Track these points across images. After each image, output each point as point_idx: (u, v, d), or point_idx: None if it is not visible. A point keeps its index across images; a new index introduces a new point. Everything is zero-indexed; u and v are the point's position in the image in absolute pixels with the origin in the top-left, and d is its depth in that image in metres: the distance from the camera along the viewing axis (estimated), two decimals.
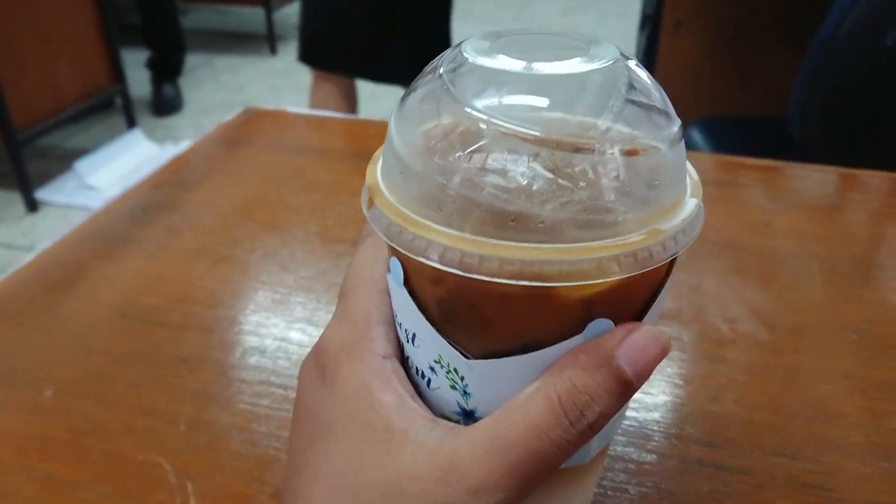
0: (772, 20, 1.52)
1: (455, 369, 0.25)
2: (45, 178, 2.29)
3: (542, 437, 0.22)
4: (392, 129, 0.25)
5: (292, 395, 0.41)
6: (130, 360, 0.44)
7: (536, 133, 0.22)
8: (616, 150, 0.22)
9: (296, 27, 3.72)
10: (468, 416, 0.26)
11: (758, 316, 0.48)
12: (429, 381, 0.26)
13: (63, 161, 2.34)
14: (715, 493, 0.36)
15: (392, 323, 0.27)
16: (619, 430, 0.39)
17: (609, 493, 0.36)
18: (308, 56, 1.47)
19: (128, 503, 0.35)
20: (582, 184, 0.22)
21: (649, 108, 0.24)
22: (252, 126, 0.75)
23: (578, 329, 0.23)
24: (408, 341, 0.26)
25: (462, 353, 0.24)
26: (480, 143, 0.22)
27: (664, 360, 0.44)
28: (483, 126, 0.22)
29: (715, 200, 0.62)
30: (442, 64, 0.25)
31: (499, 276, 0.21)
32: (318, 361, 0.27)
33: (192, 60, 3.11)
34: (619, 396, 0.23)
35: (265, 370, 0.43)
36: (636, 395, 0.41)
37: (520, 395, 0.23)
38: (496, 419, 0.23)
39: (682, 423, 0.40)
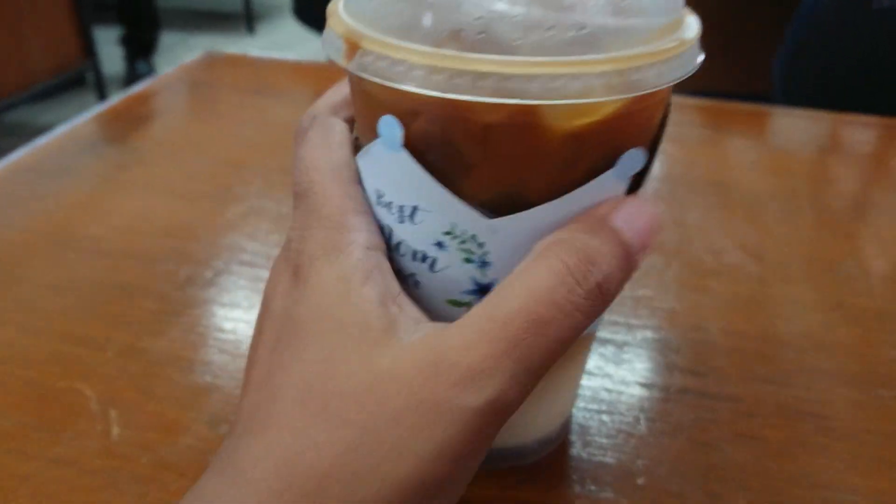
0: None
1: (473, 236, 0.21)
2: None
3: (546, 301, 0.19)
4: None
5: (232, 324, 0.38)
6: (63, 289, 0.40)
7: None
8: None
9: (272, 6, 3.63)
10: (484, 292, 0.22)
11: (744, 249, 0.45)
12: (433, 262, 0.22)
13: (32, 138, 2.27)
14: (700, 421, 0.33)
15: (367, 212, 0.23)
16: (595, 347, 0.36)
17: (586, 423, 0.32)
18: (302, 14, 1.32)
19: (43, 430, 0.31)
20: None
21: None
22: (213, 68, 0.71)
23: (569, 172, 0.20)
24: (402, 221, 0.22)
25: (483, 213, 0.21)
26: None
27: (644, 289, 0.41)
28: None
29: (700, 142, 0.59)
30: None
31: (473, 94, 0.18)
32: (290, 261, 0.22)
33: (169, 39, 3.04)
34: (622, 260, 0.20)
35: (208, 300, 0.39)
36: (612, 321, 0.38)
37: (515, 270, 0.20)
38: (489, 299, 0.20)
39: (664, 351, 0.37)
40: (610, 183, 0.21)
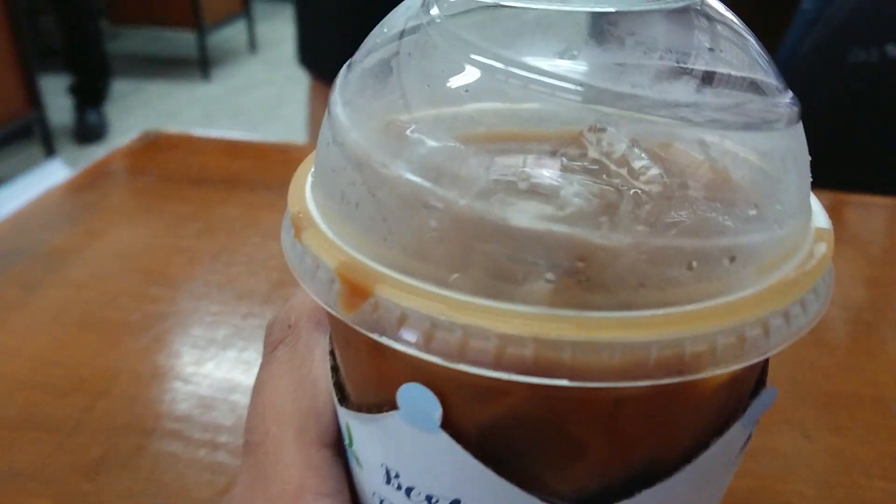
0: None
1: None
2: None
3: None
4: (340, 116, 0.15)
5: None
6: None
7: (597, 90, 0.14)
8: (729, 132, 0.14)
9: (228, 52, 3.59)
10: None
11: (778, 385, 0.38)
12: None
13: None
14: None
15: (338, 493, 0.17)
16: None
17: None
18: (307, 60, 1.24)
19: None
20: (683, 197, 0.14)
21: (744, 69, 0.15)
22: (151, 153, 0.63)
23: (704, 433, 0.15)
24: None
25: None
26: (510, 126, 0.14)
27: None
28: (515, 83, 0.14)
29: None
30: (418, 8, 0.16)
31: (629, 377, 0.12)
32: None
33: (122, 86, 2.94)
34: None
35: (131, 491, 0.31)
36: None
37: None
38: None
39: None
40: (737, 436, 0.16)
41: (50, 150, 2.42)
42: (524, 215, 0.12)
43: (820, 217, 0.16)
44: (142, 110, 2.89)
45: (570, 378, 0.12)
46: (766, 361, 0.17)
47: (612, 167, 0.13)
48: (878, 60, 0.99)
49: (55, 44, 2.66)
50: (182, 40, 3.29)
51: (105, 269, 0.47)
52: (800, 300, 0.14)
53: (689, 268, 0.13)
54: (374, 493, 0.17)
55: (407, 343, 0.13)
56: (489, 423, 0.14)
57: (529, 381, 0.12)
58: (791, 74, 0.88)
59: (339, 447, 0.18)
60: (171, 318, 0.42)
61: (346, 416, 0.17)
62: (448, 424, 0.14)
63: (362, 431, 0.17)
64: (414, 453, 0.15)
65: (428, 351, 0.13)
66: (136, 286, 0.45)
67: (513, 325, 0.12)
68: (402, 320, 0.13)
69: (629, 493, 0.15)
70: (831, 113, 1.10)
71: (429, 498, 0.16)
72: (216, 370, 0.38)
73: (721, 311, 0.13)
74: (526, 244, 0.12)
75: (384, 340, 0.13)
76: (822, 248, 0.15)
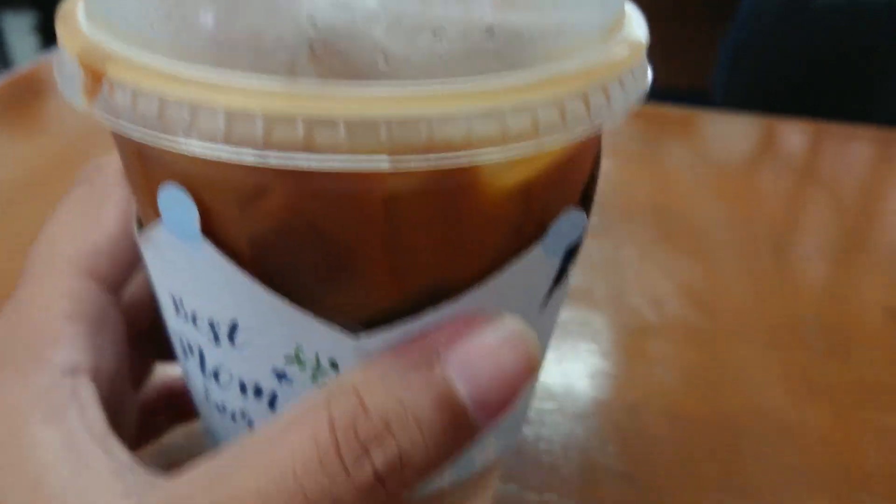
0: None
1: (333, 362, 0.14)
2: None
3: (291, 489, 0.12)
4: None
5: None
6: None
7: None
8: None
9: None
10: None
11: (691, 297, 0.37)
12: (272, 397, 0.15)
13: None
14: None
15: (99, 321, 0.17)
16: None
17: None
18: None
19: None
20: None
21: None
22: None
23: (498, 252, 0.14)
24: (217, 341, 0.15)
25: (347, 329, 0.14)
26: None
27: (565, 351, 0.33)
28: None
29: (635, 156, 0.51)
30: None
31: (397, 159, 0.11)
32: None
33: None
34: (443, 434, 0.13)
35: None
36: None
37: (279, 417, 0.13)
38: (228, 457, 0.13)
39: (589, 447, 0.28)
40: (540, 262, 0.14)
41: None
42: None
43: (640, 28, 0.15)
44: None
45: (305, 151, 0.11)
46: (587, 189, 0.15)
47: None
48: (843, 2, 0.97)
49: None
50: None
51: (6, 198, 0.44)
52: (604, 85, 0.12)
53: (435, 36, 0.11)
54: (174, 334, 0.16)
55: (136, 124, 0.12)
56: (257, 232, 0.13)
57: (259, 160, 0.11)
58: (759, 20, 0.87)
59: (117, 288, 0.18)
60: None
61: (142, 249, 0.16)
62: (212, 233, 0.13)
63: (146, 256, 0.16)
64: (185, 270, 0.14)
65: (160, 128, 0.11)
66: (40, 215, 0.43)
67: (240, 100, 0.11)
68: (135, 100, 0.12)
69: (414, 313, 0.13)
70: (801, 57, 1.09)
71: (211, 324, 0.15)
72: None
73: (474, 94, 0.11)
74: (274, 15, 0.11)
75: (119, 128, 0.12)
76: (628, 51, 0.13)
